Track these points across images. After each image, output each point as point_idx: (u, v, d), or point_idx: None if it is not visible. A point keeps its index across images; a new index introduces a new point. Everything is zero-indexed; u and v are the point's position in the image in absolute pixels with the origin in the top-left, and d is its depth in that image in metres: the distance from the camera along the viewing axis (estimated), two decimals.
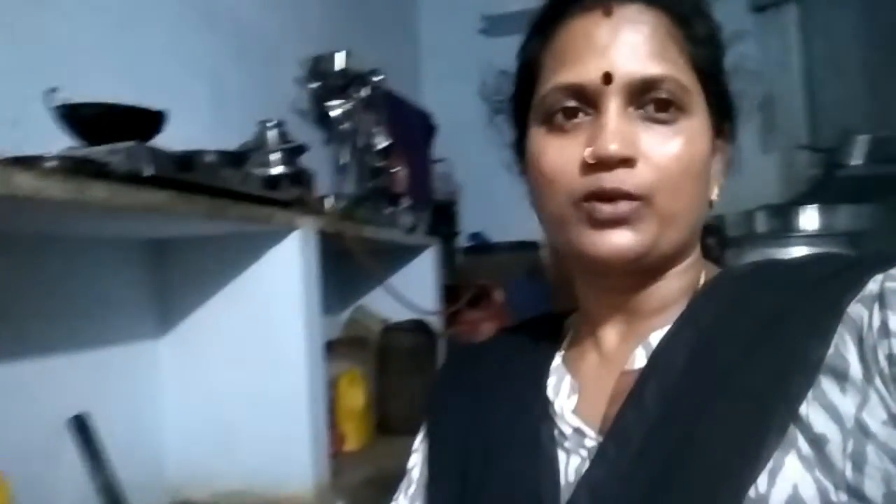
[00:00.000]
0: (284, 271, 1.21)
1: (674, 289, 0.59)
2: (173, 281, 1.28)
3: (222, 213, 1.01)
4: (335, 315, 1.90)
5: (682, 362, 0.53)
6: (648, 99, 0.54)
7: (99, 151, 0.87)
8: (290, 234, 1.21)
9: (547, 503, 0.55)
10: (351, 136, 1.87)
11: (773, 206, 1.76)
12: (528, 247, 2.51)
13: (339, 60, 1.86)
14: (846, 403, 0.45)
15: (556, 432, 0.59)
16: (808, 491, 0.45)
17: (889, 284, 0.47)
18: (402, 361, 1.73)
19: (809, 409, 0.46)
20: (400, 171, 2.02)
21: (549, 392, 0.62)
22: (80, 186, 0.76)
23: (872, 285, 0.48)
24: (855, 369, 0.46)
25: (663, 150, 0.54)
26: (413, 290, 1.72)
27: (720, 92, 0.59)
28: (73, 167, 0.78)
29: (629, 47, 0.54)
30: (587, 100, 0.55)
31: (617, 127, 0.53)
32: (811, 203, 1.69)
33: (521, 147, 0.64)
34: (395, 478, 1.40)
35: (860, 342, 0.46)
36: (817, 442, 0.45)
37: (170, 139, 1.02)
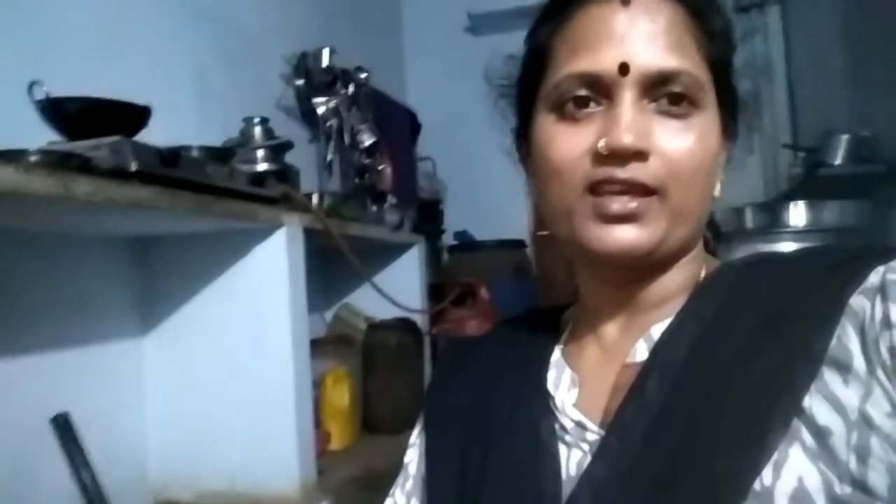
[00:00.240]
0: (270, 268, 1.20)
1: (676, 282, 0.59)
2: (157, 278, 1.27)
3: (208, 209, 1.00)
4: (320, 313, 1.89)
5: (685, 355, 0.53)
6: (663, 92, 0.54)
7: (82, 146, 0.85)
8: (276, 231, 1.19)
9: (548, 498, 0.54)
10: (336, 133, 1.86)
11: (762, 202, 1.78)
12: (514, 245, 2.51)
13: (325, 57, 1.85)
14: (849, 395, 0.45)
15: (556, 426, 0.59)
16: (814, 483, 0.45)
17: (890, 276, 0.47)
18: (388, 360, 1.72)
19: (813, 402, 0.46)
20: (385, 169, 2.02)
21: (549, 386, 0.62)
22: (65, 181, 0.75)
23: (874, 277, 0.48)
24: (858, 361, 0.46)
25: (677, 144, 0.53)
26: (398, 289, 1.71)
27: (730, 89, 0.59)
28: (56, 161, 0.77)
29: (646, 38, 0.54)
30: (601, 89, 0.54)
31: (632, 119, 0.53)
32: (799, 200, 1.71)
33: (523, 134, 0.63)
34: (381, 476, 1.40)
35: (862, 334, 0.46)
36: (821, 434, 0.45)
37: (154, 135, 1.00)
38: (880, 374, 0.45)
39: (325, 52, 1.85)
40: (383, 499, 0.71)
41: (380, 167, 1.99)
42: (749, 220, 1.68)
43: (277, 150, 1.49)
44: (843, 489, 0.44)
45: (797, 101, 2.51)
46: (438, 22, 2.91)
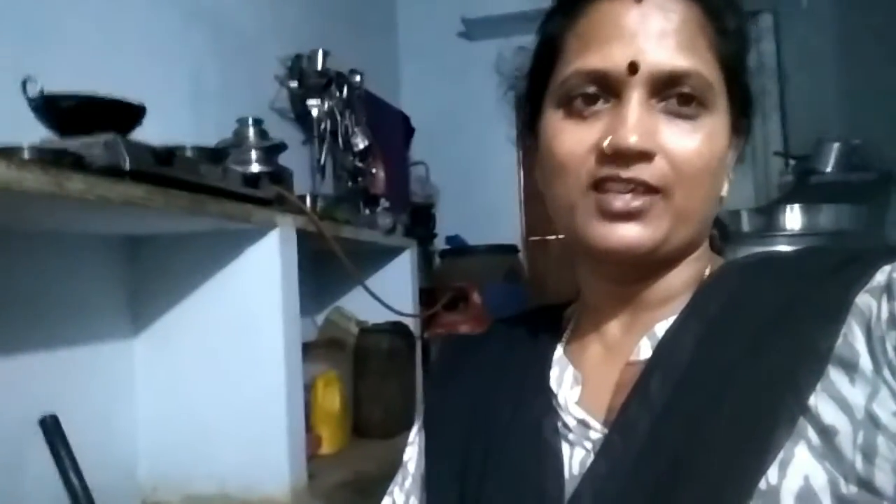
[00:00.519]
0: (263, 270, 1.19)
1: (680, 280, 0.58)
2: (149, 279, 1.25)
3: (202, 209, 0.99)
4: (312, 317, 1.88)
5: (689, 353, 0.52)
6: (672, 92, 0.53)
7: (76, 143, 0.85)
8: (269, 233, 1.19)
9: (551, 496, 0.54)
10: (330, 135, 1.86)
11: (758, 206, 1.79)
12: (506, 250, 2.52)
13: (319, 60, 1.85)
14: (856, 394, 0.45)
15: (559, 424, 0.58)
16: (819, 482, 0.44)
17: None
18: (380, 364, 1.71)
19: (818, 401, 0.46)
20: (378, 173, 2.01)
21: (552, 383, 0.61)
22: (58, 178, 0.74)
23: (880, 276, 0.48)
24: (864, 360, 0.46)
25: (683, 145, 0.53)
26: (390, 293, 1.70)
27: (742, 89, 0.58)
28: (50, 158, 0.76)
29: (657, 37, 0.53)
30: (609, 87, 0.54)
31: (639, 119, 0.52)
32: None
33: (532, 127, 0.62)
34: (371, 481, 1.39)
35: (868, 333, 0.46)
36: (827, 433, 0.45)
37: (148, 134, 1.00)
38: (886, 373, 0.44)
39: (320, 55, 1.85)
40: (381, 497, 0.70)
41: (373, 170, 1.99)
42: (745, 224, 1.69)
43: (271, 151, 1.48)
44: (849, 488, 0.44)
45: (788, 108, 2.53)
46: (433, 26, 2.91)
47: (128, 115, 0.97)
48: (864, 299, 0.47)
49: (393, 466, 0.72)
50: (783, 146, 2.51)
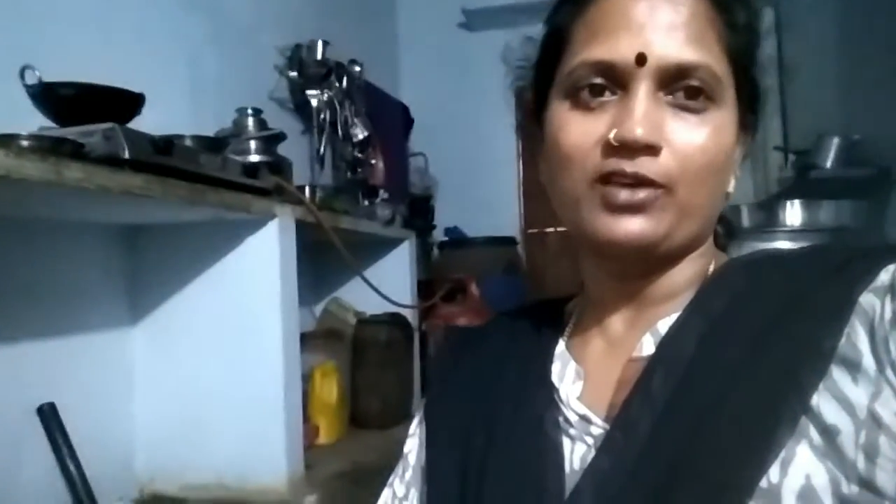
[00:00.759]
0: (261, 260, 1.19)
1: (684, 276, 0.58)
2: (147, 268, 1.25)
3: (200, 198, 0.99)
4: (310, 307, 1.88)
5: (691, 351, 0.52)
6: (680, 86, 0.53)
7: (75, 132, 0.84)
8: (269, 223, 1.19)
9: (551, 491, 0.54)
10: (329, 126, 1.85)
11: (758, 202, 1.79)
12: (504, 242, 2.52)
13: (319, 50, 1.84)
14: (858, 394, 0.45)
15: (560, 419, 0.58)
16: (821, 481, 0.44)
17: None
18: (377, 355, 1.72)
19: (821, 400, 0.46)
20: (377, 164, 2.01)
21: (554, 378, 0.61)
22: (57, 167, 0.74)
23: (884, 276, 0.47)
24: (867, 360, 0.45)
25: (690, 139, 0.52)
26: (388, 284, 1.71)
27: (751, 84, 0.58)
28: (49, 147, 0.76)
29: (666, 29, 0.52)
30: (616, 79, 0.53)
31: (645, 112, 0.52)
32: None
33: (539, 118, 0.62)
34: (368, 471, 1.39)
35: (872, 333, 0.46)
36: (829, 432, 0.45)
37: (147, 123, 0.99)
38: (890, 373, 0.44)
39: (320, 45, 1.84)
40: (379, 487, 0.70)
41: (372, 161, 1.99)
42: (745, 219, 1.69)
43: (270, 141, 1.48)
44: (850, 488, 0.44)
45: (788, 103, 2.52)
46: (433, 17, 2.90)
47: (127, 104, 0.97)
48: (867, 299, 0.47)
49: (390, 457, 0.72)
50: (783, 141, 2.50)
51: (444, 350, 0.76)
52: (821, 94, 2.33)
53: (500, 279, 2.28)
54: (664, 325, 0.56)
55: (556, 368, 0.62)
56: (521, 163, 2.78)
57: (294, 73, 1.84)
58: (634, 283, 0.59)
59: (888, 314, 0.45)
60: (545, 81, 0.60)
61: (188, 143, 1.10)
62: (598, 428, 0.55)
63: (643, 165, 0.52)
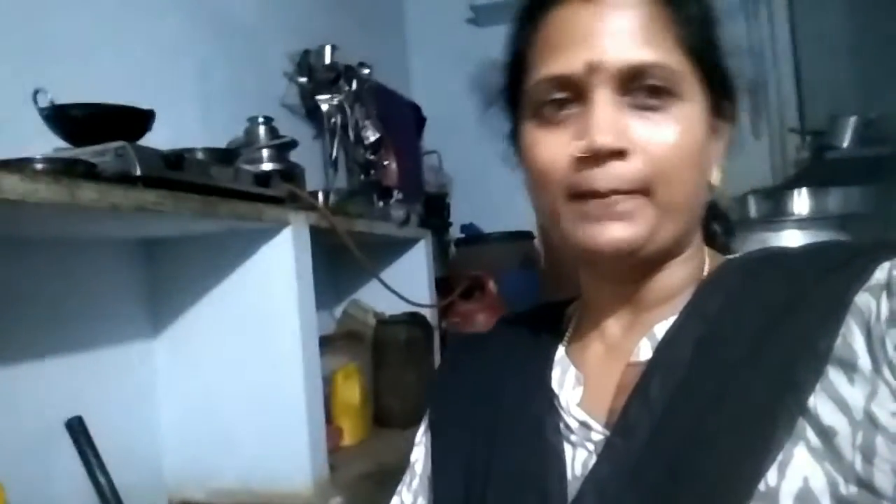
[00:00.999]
0: (277, 267, 1.21)
1: (677, 278, 0.58)
2: (166, 280, 1.27)
3: (213, 210, 1.00)
4: (329, 310, 1.90)
5: (688, 355, 0.52)
6: (638, 86, 0.53)
7: (87, 152, 0.86)
8: (283, 231, 1.20)
9: (553, 498, 0.54)
10: (341, 130, 1.87)
11: (765, 191, 1.77)
12: (521, 237, 2.51)
13: (327, 54, 1.85)
14: (855, 395, 0.45)
15: (561, 425, 0.59)
16: (819, 483, 0.44)
17: None
18: (398, 355, 1.73)
19: (817, 401, 0.46)
20: (391, 165, 2.02)
21: (554, 384, 0.61)
22: (70, 188, 0.75)
23: (879, 274, 0.47)
24: (863, 360, 0.45)
25: (658, 138, 0.52)
26: (406, 283, 1.72)
27: (716, 71, 0.57)
28: (62, 168, 0.78)
29: (615, 34, 0.53)
30: (575, 91, 0.54)
31: (606, 118, 0.52)
32: (801, 186, 1.69)
33: (516, 139, 0.63)
34: (393, 471, 1.40)
35: (868, 332, 0.45)
36: (826, 434, 0.45)
37: (158, 137, 1.01)
38: (886, 373, 0.44)
39: (327, 49, 1.85)
40: (390, 497, 0.71)
41: (385, 162, 2.00)
42: (752, 209, 1.67)
43: (282, 148, 1.49)
44: (848, 489, 0.44)
45: (804, 84, 2.49)
46: (441, 14, 2.90)
47: (137, 121, 0.99)
48: (863, 298, 0.47)
49: (409, 461, 0.73)
50: (799, 123, 2.47)
51: (446, 357, 0.77)
52: (836, 72, 2.30)
53: (518, 274, 2.28)
54: (661, 329, 0.56)
55: (555, 374, 0.62)
56: None
57: (304, 79, 1.85)
58: (628, 287, 0.59)
59: (884, 313, 0.45)
60: (513, 104, 0.61)
61: (200, 155, 1.12)
62: (599, 434, 0.55)
63: (615, 175, 0.52)
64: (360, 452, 1.51)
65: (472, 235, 2.61)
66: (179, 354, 1.27)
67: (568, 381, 0.61)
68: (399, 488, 0.72)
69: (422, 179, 2.50)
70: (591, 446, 0.56)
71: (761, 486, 0.45)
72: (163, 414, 1.27)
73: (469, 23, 2.88)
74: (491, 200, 2.69)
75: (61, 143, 0.97)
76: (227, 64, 1.61)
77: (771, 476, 0.45)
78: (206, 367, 1.25)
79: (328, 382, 1.50)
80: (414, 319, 1.78)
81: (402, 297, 1.65)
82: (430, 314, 1.87)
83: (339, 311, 1.92)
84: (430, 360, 1.84)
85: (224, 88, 1.59)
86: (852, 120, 1.99)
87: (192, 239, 1.23)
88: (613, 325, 0.61)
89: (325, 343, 1.56)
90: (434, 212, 2.43)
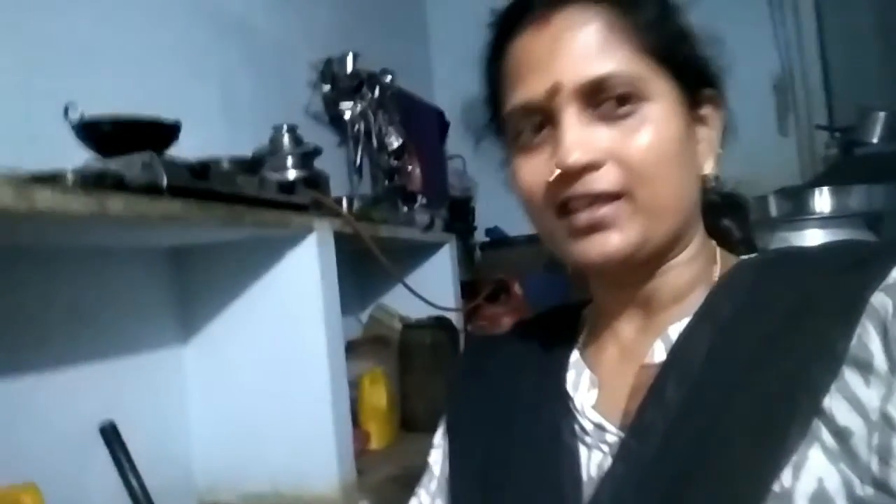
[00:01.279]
0: (303, 274, 1.22)
1: (686, 278, 0.58)
2: (195, 287, 1.30)
3: (238, 219, 1.02)
4: (356, 315, 1.92)
5: (702, 356, 0.52)
6: (605, 97, 0.54)
7: (116, 164, 0.88)
8: (308, 237, 1.22)
9: (569, 499, 0.55)
10: (364, 136, 1.88)
11: (787, 190, 1.74)
12: None
13: (350, 62, 1.87)
14: (871, 396, 0.45)
15: (576, 427, 0.59)
16: (834, 484, 0.44)
17: None
18: (424, 359, 1.74)
19: (833, 402, 0.45)
20: (414, 170, 2.03)
21: (569, 387, 0.62)
22: (100, 199, 0.78)
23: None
24: (879, 361, 0.45)
25: (631, 143, 0.53)
26: (432, 288, 1.73)
27: (686, 64, 0.57)
28: (92, 180, 0.80)
29: (571, 52, 0.54)
30: (544, 114, 0.56)
31: (573, 137, 0.53)
32: (830, 184, 1.67)
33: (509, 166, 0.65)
34: (419, 475, 1.41)
35: (884, 333, 0.45)
36: (841, 435, 0.45)
37: (185, 148, 1.03)
38: None
39: (350, 57, 1.87)
40: (409, 499, 0.72)
41: (409, 168, 2.01)
42: (773, 209, 1.65)
43: (307, 156, 1.51)
44: (864, 490, 0.43)
45: (832, 80, 2.46)
46: (462, 18, 2.90)
47: (164, 132, 1.01)
48: (879, 298, 0.47)
49: (427, 464, 0.74)
50: (828, 120, 2.44)
51: (462, 360, 0.78)
52: (865, 68, 2.27)
53: (543, 277, 2.28)
54: (675, 330, 0.56)
55: (570, 377, 0.63)
56: None
57: (327, 88, 1.88)
58: (636, 289, 0.59)
59: None
60: (501, 133, 0.63)
61: (225, 165, 1.14)
62: (614, 436, 0.56)
63: (591, 186, 0.53)
64: (386, 456, 1.52)
65: (497, 239, 2.61)
66: (208, 360, 1.29)
67: (583, 384, 0.61)
68: (417, 490, 0.73)
69: (446, 184, 2.51)
70: (606, 448, 0.56)
71: (776, 488, 0.45)
72: (193, 418, 1.30)
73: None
74: (515, 204, 2.68)
75: (91, 155, 0.99)
76: (252, 74, 1.64)
77: (786, 477, 0.45)
78: (234, 371, 1.27)
79: (355, 387, 1.51)
80: (439, 323, 1.79)
81: (427, 302, 1.66)
82: (455, 318, 1.88)
83: (365, 315, 1.93)
84: None
85: (248, 98, 1.62)
86: (882, 115, 1.96)
87: (220, 247, 1.26)
88: (626, 328, 0.61)
89: (352, 348, 1.58)
90: (459, 216, 2.43)
